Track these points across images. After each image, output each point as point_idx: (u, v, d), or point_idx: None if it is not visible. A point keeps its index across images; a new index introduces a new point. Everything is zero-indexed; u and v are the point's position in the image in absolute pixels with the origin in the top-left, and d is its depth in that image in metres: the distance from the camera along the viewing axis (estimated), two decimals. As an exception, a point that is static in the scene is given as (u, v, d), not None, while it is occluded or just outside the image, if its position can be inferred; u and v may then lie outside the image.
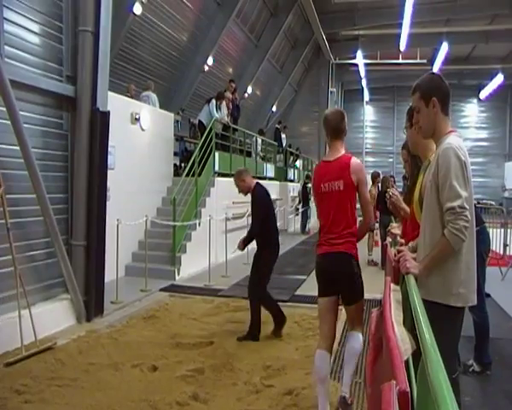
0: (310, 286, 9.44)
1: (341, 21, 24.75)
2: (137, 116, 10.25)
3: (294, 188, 20.37)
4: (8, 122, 5.73)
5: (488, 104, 34.66)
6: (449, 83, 2.99)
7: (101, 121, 6.85)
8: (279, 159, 19.98)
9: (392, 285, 3.86)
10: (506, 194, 32.00)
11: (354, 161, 4.09)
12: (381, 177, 11.92)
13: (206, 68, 18.34)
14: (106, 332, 6.45)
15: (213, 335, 6.38)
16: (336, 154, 4.15)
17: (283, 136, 20.72)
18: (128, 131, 10.06)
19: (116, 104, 9.61)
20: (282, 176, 19.67)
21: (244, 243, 6.41)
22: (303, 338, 6.44)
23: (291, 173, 21.47)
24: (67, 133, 6.88)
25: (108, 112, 7.02)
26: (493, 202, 28.29)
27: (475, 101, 35.01)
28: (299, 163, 24.27)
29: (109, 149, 9.17)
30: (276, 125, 21.29)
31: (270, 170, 17.63)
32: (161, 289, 8.88)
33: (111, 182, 9.19)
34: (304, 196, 19.05)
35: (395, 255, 3.33)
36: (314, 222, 20.06)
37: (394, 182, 11.49)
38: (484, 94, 33.40)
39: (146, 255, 8.93)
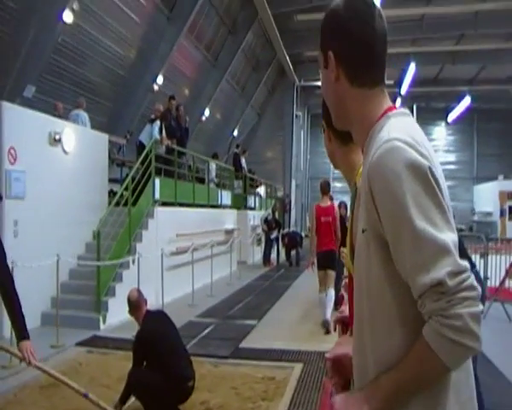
0: (260, 335, 7.95)
1: (305, 41, 23.50)
2: (58, 137, 8.70)
3: (255, 216, 18.87)
4: None
5: (456, 127, 34.03)
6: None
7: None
8: (237, 185, 18.50)
9: None
10: (476, 217, 31.19)
11: (336, 208, 8.26)
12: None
13: (156, 88, 16.81)
14: (-24, 416, 4.90)
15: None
16: (327, 203, 8.13)
17: (243, 160, 19.35)
18: (45, 153, 8.48)
19: (30, 122, 8.17)
20: (240, 204, 18.15)
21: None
22: (238, 414, 5.00)
23: (251, 201, 20.00)
24: None
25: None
26: (463, 227, 27.48)
27: (443, 124, 34.35)
28: (261, 190, 22.87)
29: (17, 174, 7.78)
30: (235, 150, 19.91)
31: (226, 197, 16.13)
32: (78, 344, 7.31)
33: (20, 214, 7.81)
34: (270, 226, 17.46)
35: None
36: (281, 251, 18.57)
37: (346, 209, 9.67)
38: (451, 117, 32.78)
39: (57, 301, 7.41)
